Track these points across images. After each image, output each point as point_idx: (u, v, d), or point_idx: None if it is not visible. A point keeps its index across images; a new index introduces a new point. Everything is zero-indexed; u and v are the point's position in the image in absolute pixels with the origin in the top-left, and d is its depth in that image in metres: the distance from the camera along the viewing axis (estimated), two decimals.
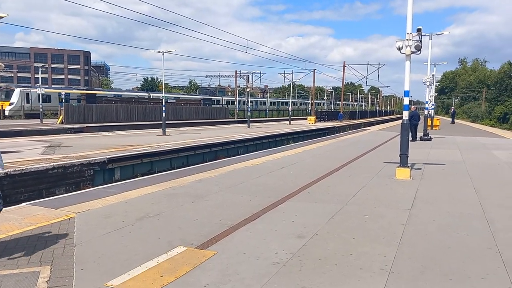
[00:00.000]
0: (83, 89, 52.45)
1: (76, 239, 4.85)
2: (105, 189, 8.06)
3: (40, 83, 37.02)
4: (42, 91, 34.18)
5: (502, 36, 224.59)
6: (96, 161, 11.98)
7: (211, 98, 66.51)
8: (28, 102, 39.08)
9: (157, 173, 11.60)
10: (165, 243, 4.75)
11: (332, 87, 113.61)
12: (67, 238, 4.86)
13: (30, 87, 43.75)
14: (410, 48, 9.19)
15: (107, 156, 12.51)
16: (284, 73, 54.05)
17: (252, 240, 4.93)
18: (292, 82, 54.10)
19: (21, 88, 40.51)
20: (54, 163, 10.81)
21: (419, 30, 9.33)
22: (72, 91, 46.47)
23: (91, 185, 11.33)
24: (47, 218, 5.71)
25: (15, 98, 39.04)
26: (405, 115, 9.92)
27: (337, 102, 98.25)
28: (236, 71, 65.81)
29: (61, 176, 10.84)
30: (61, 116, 31.20)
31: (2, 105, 37.18)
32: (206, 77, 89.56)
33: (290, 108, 47.53)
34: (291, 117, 45.73)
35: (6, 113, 38.09)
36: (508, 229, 5.51)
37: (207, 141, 18.77)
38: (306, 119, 49.55)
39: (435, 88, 32.30)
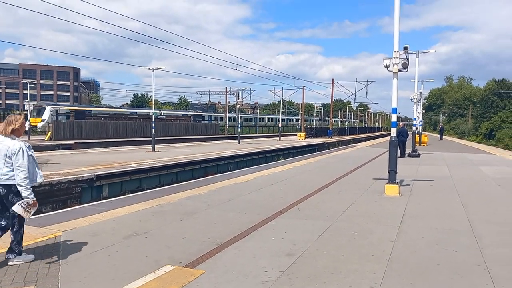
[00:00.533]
0: (112, 107, 54.71)
1: (61, 258, 4.76)
2: (92, 206, 7.95)
3: (28, 99, 37.00)
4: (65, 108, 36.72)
5: (486, 54, 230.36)
6: (84, 178, 11.84)
7: (201, 114, 66.59)
8: (57, 118, 40.46)
9: (146, 190, 11.52)
10: (152, 262, 4.68)
11: (322, 104, 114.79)
12: (52, 257, 4.76)
13: (59, 104, 47.86)
14: (397, 66, 9.35)
15: (95, 173, 12.38)
16: (274, 89, 54.65)
17: (241, 258, 4.88)
18: (282, 99, 54.54)
19: (51, 106, 43.53)
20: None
21: (405, 48, 9.53)
22: (95, 109, 49.41)
23: (78, 202, 11.18)
24: (32, 236, 5.60)
25: (46, 115, 41.64)
26: (393, 131, 10.02)
27: (327, 118, 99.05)
28: (226, 87, 66.38)
29: (47, 193, 10.68)
30: (50, 133, 30.94)
31: (30, 122, 37.92)
32: (197, 93, 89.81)
33: (280, 124, 47.78)
34: (281, 133, 45.91)
35: (38, 129, 40.50)
36: (495, 245, 5.54)
37: (196, 158, 18.71)
38: (296, 135, 49.76)
39: (423, 104, 32.82)
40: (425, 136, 34.69)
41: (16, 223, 4.53)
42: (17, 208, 4.30)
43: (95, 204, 8.27)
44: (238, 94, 41.63)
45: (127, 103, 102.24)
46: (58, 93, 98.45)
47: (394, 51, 9.38)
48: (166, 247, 5.25)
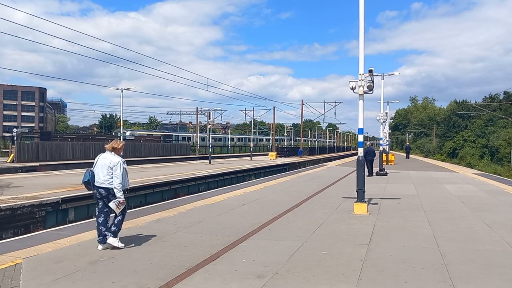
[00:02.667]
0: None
1: (22, 287, 4.54)
2: (57, 231, 7.67)
3: None
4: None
5: (448, 77, 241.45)
6: (48, 202, 11.42)
7: (171, 135, 66.03)
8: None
9: None
10: None
11: (292, 124, 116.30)
12: (11, 287, 4.53)
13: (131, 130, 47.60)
14: (363, 88, 9.65)
15: (61, 196, 11.97)
16: (245, 110, 54.99)
17: (211, 282, 4.81)
18: (253, 119, 54.90)
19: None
20: (1, 205, 10.20)
21: (370, 71, 9.85)
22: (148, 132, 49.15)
23: (42, 227, 10.75)
24: None
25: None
26: (360, 151, 10.24)
27: (297, 138, 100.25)
28: (197, 108, 66.18)
29: (8, 218, 10.22)
30: (12, 154, 29.78)
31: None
32: (167, 113, 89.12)
33: (251, 144, 47.91)
34: (253, 153, 46.02)
35: None
36: (459, 262, 5.71)
37: (166, 179, 18.44)
38: (267, 154, 50.00)
39: (389, 124, 33.77)
40: (392, 155, 35.61)
41: (115, 214, 6.26)
42: (112, 204, 6.11)
43: (60, 229, 7.97)
44: (209, 114, 41.65)
45: (95, 124, 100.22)
46: (23, 113, 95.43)
47: (360, 74, 9.69)
48: (133, 272, 5.11)
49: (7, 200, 11.05)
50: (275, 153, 46.65)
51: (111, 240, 6.20)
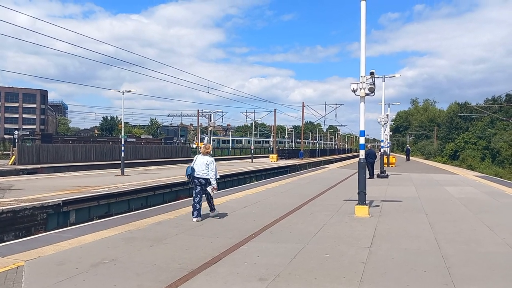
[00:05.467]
0: None
1: None
2: (58, 233, 7.67)
3: None
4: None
5: (449, 79, 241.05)
6: (49, 204, 11.43)
7: (173, 138, 66.05)
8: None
9: (115, 215, 11.21)
10: None
11: (293, 126, 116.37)
12: None
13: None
14: (364, 90, 9.65)
15: (62, 199, 11.98)
16: (246, 112, 54.97)
17: (213, 284, 4.81)
18: (254, 121, 54.90)
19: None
20: (3, 207, 10.21)
21: (372, 73, 9.84)
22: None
23: (43, 229, 10.75)
24: None
25: None
26: (361, 154, 10.23)
27: (298, 140, 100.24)
28: (198, 110, 66.19)
29: (10, 221, 10.22)
30: (13, 157, 29.80)
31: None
32: (168, 115, 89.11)
33: (252, 147, 47.92)
34: (254, 155, 46.00)
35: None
36: (461, 264, 5.70)
37: (167, 181, 18.44)
38: (268, 157, 49.98)
39: (390, 126, 33.75)
40: (393, 157, 35.59)
41: (209, 197, 9.20)
42: (209, 189, 8.90)
43: (62, 231, 7.97)
44: (210, 117, 41.69)
45: (96, 126, 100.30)
46: (24, 115, 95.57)
47: (361, 76, 9.69)
48: (135, 275, 5.11)
49: (8, 202, 11.05)
50: (276, 155, 46.61)
51: (213, 214, 9.34)
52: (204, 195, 9.08)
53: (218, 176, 9.09)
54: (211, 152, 9.17)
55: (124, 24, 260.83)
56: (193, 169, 9.00)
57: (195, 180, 8.97)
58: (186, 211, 10.13)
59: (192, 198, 9.17)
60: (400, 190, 15.33)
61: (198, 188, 8.98)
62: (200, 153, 9.28)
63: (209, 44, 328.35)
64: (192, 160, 9.33)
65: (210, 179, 8.86)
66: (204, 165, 8.95)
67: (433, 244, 6.86)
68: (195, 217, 8.75)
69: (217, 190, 9.18)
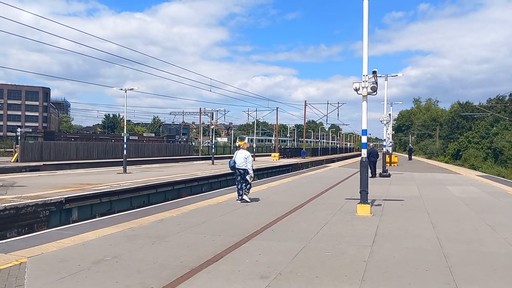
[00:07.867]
0: None
1: (26, 286, 4.57)
2: (61, 230, 7.70)
3: None
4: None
5: (453, 78, 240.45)
6: (52, 201, 11.47)
7: (175, 136, 66.14)
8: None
9: (117, 213, 11.23)
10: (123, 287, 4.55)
11: (295, 125, 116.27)
12: (16, 286, 4.56)
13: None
14: (367, 89, 9.63)
15: (64, 196, 12.02)
16: (248, 111, 54.94)
17: (215, 282, 4.82)
18: (256, 120, 54.90)
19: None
20: (6, 204, 10.25)
21: (374, 72, 9.82)
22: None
23: (46, 226, 10.79)
24: None
25: None
26: (364, 153, 10.22)
27: (300, 139, 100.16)
28: (200, 108, 66.20)
29: (13, 217, 10.27)
30: (16, 154, 29.91)
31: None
32: (170, 114, 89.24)
33: (254, 145, 47.92)
34: (256, 154, 46.02)
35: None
36: (463, 264, 5.69)
37: (169, 179, 18.47)
38: (270, 155, 49.99)
39: (393, 126, 33.70)
40: (395, 156, 35.54)
41: (248, 183, 11.36)
42: (247, 177, 11.16)
43: (64, 228, 8.00)
44: (213, 115, 41.64)
45: (98, 124, 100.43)
46: (27, 113, 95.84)
47: (363, 75, 9.67)
48: (137, 272, 5.13)
49: (11, 199, 11.10)
50: (278, 154, 46.64)
51: (245, 197, 11.30)
52: (247, 181, 11.32)
53: (253, 167, 11.63)
54: (248, 147, 11.79)
55: (128, 22, 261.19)
56: (234, 162, 11.23)
57: (236, 170, 11.18)
58: (188, 209, 10.15)
59: (236, 186, 11.81)
60: (402, 189, 15.31)
61: (239, 177, 11.29)
62: (240, 148, 11.67)
63: (212, 43, 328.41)
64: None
65: (248, 170, 11.12)
66: (243, 159, 11.21)
67: (435, 244, 6.85)
68: (239, 201, 11.26)
69: (252, 179, 11.54)
